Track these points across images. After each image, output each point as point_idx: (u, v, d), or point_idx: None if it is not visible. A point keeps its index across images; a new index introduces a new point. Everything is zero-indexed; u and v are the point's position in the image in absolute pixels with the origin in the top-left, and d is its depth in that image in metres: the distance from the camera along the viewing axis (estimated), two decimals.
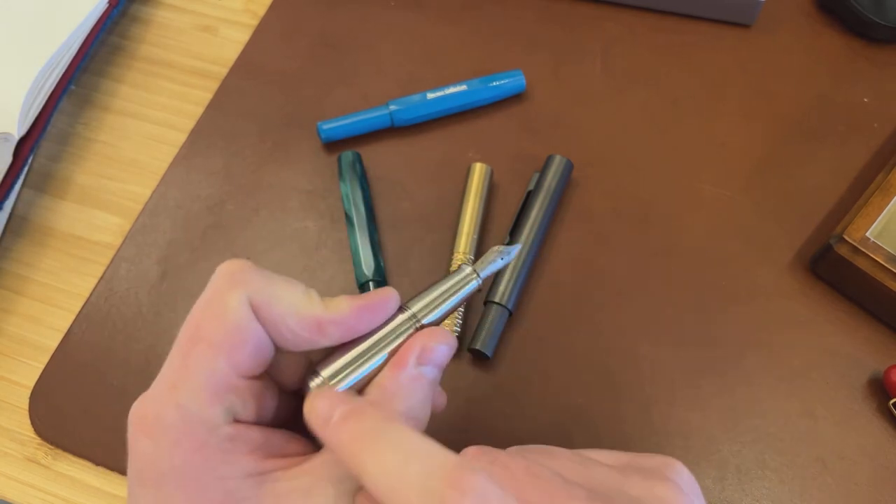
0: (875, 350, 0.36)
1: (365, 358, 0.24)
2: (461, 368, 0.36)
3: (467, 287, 0.26)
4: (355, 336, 0.24)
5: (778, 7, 0.46)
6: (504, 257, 0.27)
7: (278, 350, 0.24)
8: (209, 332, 0.22)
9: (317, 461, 0.23)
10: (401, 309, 0.25)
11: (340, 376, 0.24)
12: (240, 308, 0.22)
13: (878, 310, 0.36)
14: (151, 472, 0.22)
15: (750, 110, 0.43)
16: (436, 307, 0.25)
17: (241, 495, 0.21)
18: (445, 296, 0.26)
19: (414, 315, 0.25)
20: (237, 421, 0.23)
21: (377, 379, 0.24)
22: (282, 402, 0.25)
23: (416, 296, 0.26)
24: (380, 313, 0.24)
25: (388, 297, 0.24)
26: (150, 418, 0.22)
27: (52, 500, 0.35)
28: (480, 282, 0.26)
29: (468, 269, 0.26)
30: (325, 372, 0.24)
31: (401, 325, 0.25)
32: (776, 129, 0.42)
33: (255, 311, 0.23)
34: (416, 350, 0.24)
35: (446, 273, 0.37)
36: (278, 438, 0.24)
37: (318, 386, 0.24)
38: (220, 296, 0.23)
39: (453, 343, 0.25)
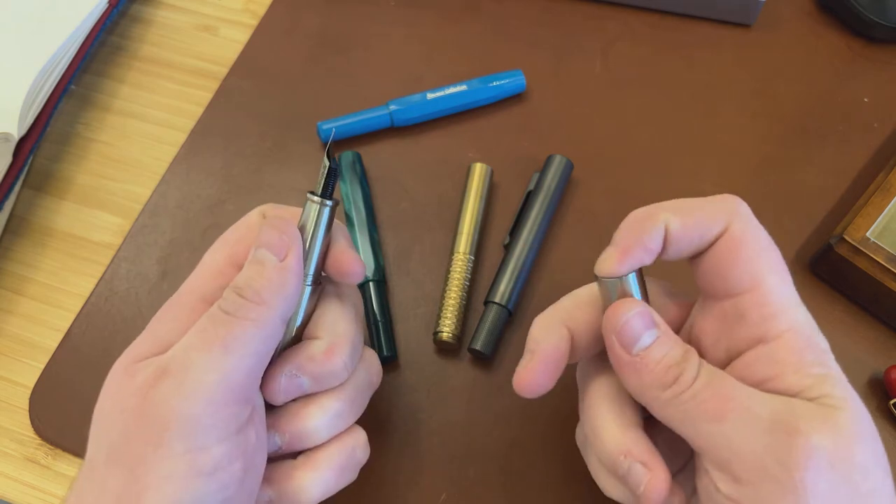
0: (875, 350, 0.36)
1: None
2: (461, 368, 0.36)
3: (323, 216, 0.27)
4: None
5: (778, 7, 0.46)
6: (324, 163, 0.27)
7: None
8: (224, 236, 0.29)
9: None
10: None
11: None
12: (252, 218, 0.29)
13: (878, 310, 0.36)
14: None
15: (750, 110, 0.43)
16: (309, 250, 0.27)
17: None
18: (311, 237, 0.27)
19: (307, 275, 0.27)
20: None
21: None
22: None
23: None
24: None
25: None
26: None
27: (52, 501, 0.35)
28: (330, 202, 0.27)
29: (315, 199, 0.27)
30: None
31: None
32: (776, 129, 0.42)
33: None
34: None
35: (446, 273, 0.37)
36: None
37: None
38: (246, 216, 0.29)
39: (287, 228, 0.27)
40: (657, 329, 0.24)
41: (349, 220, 0.39)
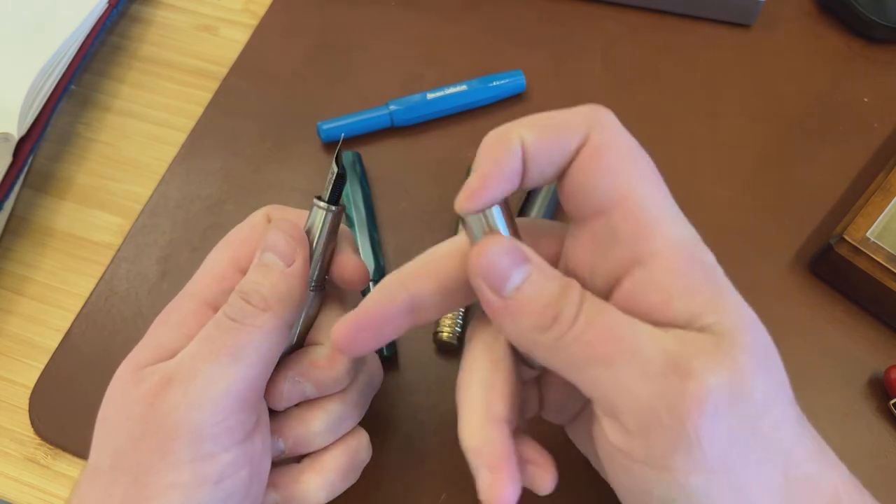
0: (875, 350, 0.36)
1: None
2: None
3: (329, 222, 0.27)
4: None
5: (778, 7, 0.46)
6: (332, 168, 0.27)
7: None
8: (227, 238, 0.28)
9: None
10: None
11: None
12: (256, 218, 0.29)
13: (878, 310, 0.36)
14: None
15: (750, 110, 0.43)
16: (314, 255, 0.27)
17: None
18: (316, 242, 0.27)
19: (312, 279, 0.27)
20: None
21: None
22: None
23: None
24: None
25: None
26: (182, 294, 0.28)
27: (52, 501, 0.35)
28: (336, 208, 0.27)
29: (322, 205, 0.27)
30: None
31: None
32: (776, 128, 0.42)
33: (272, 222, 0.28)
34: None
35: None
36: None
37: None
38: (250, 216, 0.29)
39: (291, 231, 0.26)
40: (528, 264, 0.21)
41: (349, 220, 0.39)
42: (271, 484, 0.27)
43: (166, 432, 0.23)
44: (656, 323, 0.21)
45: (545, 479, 0.24)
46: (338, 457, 0.27)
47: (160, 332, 0.26)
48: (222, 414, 0.23)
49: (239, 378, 0.24)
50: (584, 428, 0.26)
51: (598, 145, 0.22)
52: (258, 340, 0.24)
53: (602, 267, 0.22)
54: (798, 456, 0.21)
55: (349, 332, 0.24)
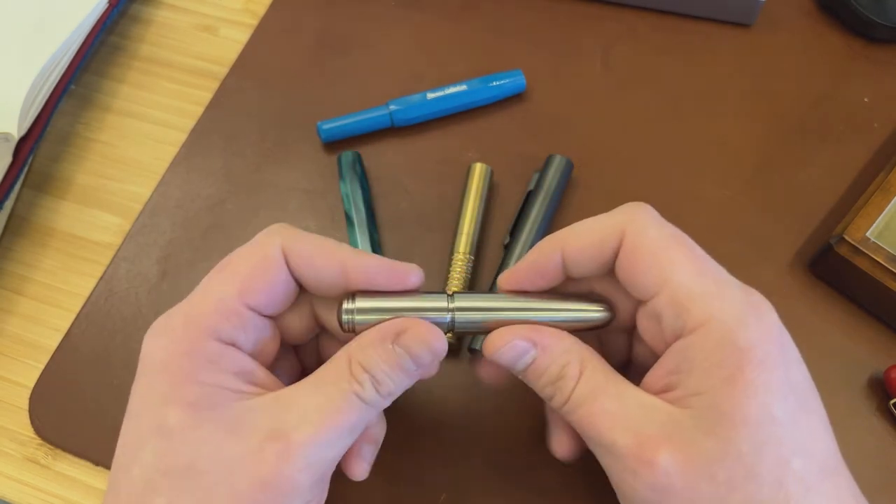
0: (875, 350, 0.36)
1: (392, 312, 0.26)
2: (461, 368, 0.36)
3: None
4: (374, 288, 0.27)
5: (778, 7, 0.46)
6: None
7: (295, 303, 0.28)
8: (236, 264, 0.26)
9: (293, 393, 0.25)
10: (450, 297, 0.27)
11: (367, 313, 0.26)
12: (271, 248, 0.26)
13: (878, 310, 0.36)
14: (146, 366, 0.25)
15: (750, 110, 0.43)
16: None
17: (213, 400, 0.24)
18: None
19: (452, 308, 0.27)
20: (233, 346, 0.26)
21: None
22: (282, 354, 0.29)
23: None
24: (398, 277, 0.26)
25: (409, 268, 0.27)
26: (160, 325, 0.26)
27: (52, 501, 0.35)
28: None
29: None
30: (360, 301, 0.26)
31: (435, 304, 0.27)
32: (776, 129, 0.42)
33: (286, 256, 0.26)
34: (396, 330, 0.26)
35: (446, 273, 0.37)
36: (265, 375, 0.26)
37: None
38: (255, 241, 0.27)
39: (437, 345, 0.26)
40: (534, 349, 0.26)
41: (349, 220, 0.39)
42: None
43: (279, 493, 0.23)
44: (670, 392, 0.24)
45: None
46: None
47: (181, 368, 0.25)
48: (324, 475, 0.25)
49: (346, 447, 0.26)
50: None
51: (632, 247, 0.25)
52: (370, 418, 0.26)
53: (660, 336, 0.26)
54: None
55: (513, 276, 0.27)
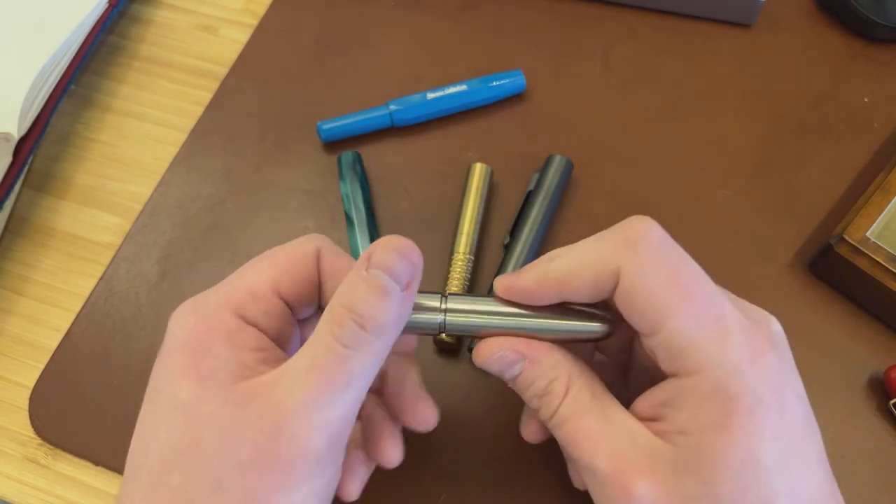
0: (875, 350, 0.36)
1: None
2: (461, 368, 0.36)
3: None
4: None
5: (778, 7, 0.46)
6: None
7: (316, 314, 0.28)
8: (274, 256, 0.27)
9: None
10: (444, 297, 0.27)
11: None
12: (307, 248, 0.27)
13: (878, 310, 0.36)
14: (168, 343, 0.26)
15: (750, 110, 0.43)
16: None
17: (225, 375, 0.24)
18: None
19: (444, 309, 0.27)
20: (255, 327, 0.26)
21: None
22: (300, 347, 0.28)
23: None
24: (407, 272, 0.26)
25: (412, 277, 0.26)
26: (189, 304, 0.26)
27: (52, 501, 0.35)
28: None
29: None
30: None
31: (428, 303, 0.27)
32: (776, 128, 0.42)
33: (320, 259, 0.27)
34: (367, 255, 0.25)
35: (446, 273, 0.37)
36: (281, 356, 0.26)
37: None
38: (295, 241, 0.28)
39: (408, 250, 0.25)
40: (522, 360, 0.26)
41: (349, 220, 0.39)
42: None
43: (285, 459, 0.23)
44: (658, 420, 0.25)
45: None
46: None
47: (201, 342, 0.25)
48: (335, 437, 0.24)
49: (352, 401, 0.24)
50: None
51: (627, 292, 0.24)
52: (371, 367, 0.24)
53: (655, 365, 0.26)
54: None
55: (509, 294, 0.27)
